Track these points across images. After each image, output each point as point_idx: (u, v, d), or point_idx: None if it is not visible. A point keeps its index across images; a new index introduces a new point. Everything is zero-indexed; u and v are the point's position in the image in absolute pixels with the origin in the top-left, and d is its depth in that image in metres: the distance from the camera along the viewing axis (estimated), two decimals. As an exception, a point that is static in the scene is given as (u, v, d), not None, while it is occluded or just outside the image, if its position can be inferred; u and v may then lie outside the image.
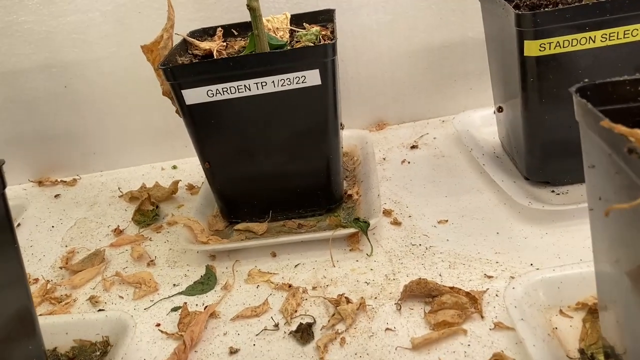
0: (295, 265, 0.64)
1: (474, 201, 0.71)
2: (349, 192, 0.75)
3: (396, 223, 0.69)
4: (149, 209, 0.79)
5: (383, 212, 0.71)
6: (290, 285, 0.61)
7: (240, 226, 0.71)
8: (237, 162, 0.69)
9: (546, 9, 0.61)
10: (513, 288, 0.50)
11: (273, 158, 0.68)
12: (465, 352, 0.49)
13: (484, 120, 0.87)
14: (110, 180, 0.93)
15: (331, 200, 0.72)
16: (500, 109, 0.76)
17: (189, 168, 0.93)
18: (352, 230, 0.65)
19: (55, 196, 0.90)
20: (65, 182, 0.95)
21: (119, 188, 0.89)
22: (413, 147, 0.87)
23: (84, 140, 0.96)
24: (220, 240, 0.68)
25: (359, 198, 0.73)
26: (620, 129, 0.30)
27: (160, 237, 0.74)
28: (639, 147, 0.29)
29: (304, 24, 0.76)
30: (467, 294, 0.54)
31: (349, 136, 0.89)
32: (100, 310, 0.61)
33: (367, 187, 0.74)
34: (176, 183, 0.84)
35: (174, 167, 0.94)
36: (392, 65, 0.93)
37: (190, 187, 0.85)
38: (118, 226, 0.78)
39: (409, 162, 0.83)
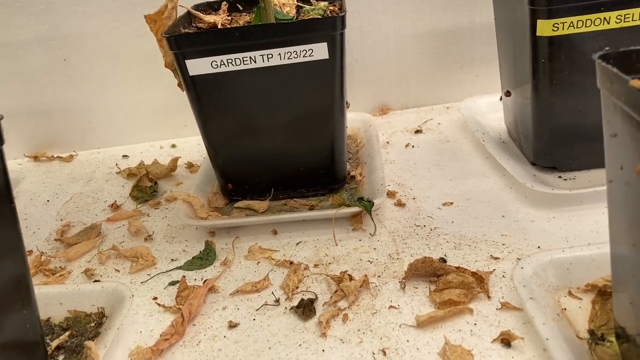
0: (297, 243, 0.63)
1: (479, 185, 0.70)
2: (352, 173, 0.73)
3: (400, 204, 0.67)
4: (147, 185, 0.78)
5: (387, 194, 0.69)
6: (291, 262, 0.59)
7: (240, 204, 0.70)
8: (240, 138, 0.67)
9: (561, -12, 0.60)
10: (522, 268, 0.49)
11: (277, 135, 0.67)
12: (471, 330, 0.47)
13: (489, 107, 0.85)
14: (107, 157, 0.92)
15: (334, 181, 0.70)
16: (508, 94, 0.74)
17: (189, 147, 0.91)
18: (355, 209, 0.63)
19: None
20: (61, 158, 0.93)
21: (116, 164, 0.87)
22: (417, 131, 0.86)
23: (82, 116, 0.94)
24: (220, 217, 0.67)
25: (362, 179, 0.72)
26: (651, 88, 0.29)
27: (158, 213, 0.73)
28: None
29: (311, 0, 0.75)
30: (474, 274, 0.52)
31: (352, 119, 0.88)
32: (96, 281, 0.59)
33: (371, 168, 0.72)
34: (175, 160, 0.82)
35: (173, 146, 0.93)
36: (397, 49, 0.91)
37: (190, 166, 0.84)
38: (115, 201, 0.76)
39: (413, 146, 0.82)
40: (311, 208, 0.68)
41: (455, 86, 0.94)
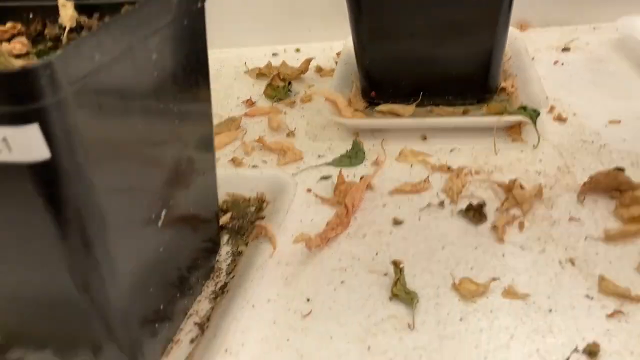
0: (451, 150, 0.60)
1: (647, 105, 0.64)
2: (502, 84, 0.69)
3: (561, 119, 0.63)
4: (279, 84, 0.76)
5: (545, 107, 0.65)
6: (449, 168, 0.56)
7: (383, 107, 0.66)
8: (393, 38, 0.63)
9: None
10: None
11: (433, 38, 0.62)
12: (669, 249, 0.44)
13: (647, 28, 0.78)
14: (231, 57, 0.89)
15: (485, 90, 0.66)
16: (686, 9, 0.67)
17: (313, 52, 0.87)
18: (519, 117, 0.59)
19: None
20: (183, 55, 0.92)
21: (245, 63, 0.85)
22: (565, 49, 0.80)
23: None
24: (367, 117, 0.64)
25: (515, 91, 0.67)
26: None
27: (295, 111, 0.71)
28: None
29: None
30: (663, 192, 0.48)
31: (493, 32, 0.82)
32: (254, 166, 0.58)
33: (525, 79, 0.67)
34: (308, 62, 0.79)
35: (297, 50, 0.89)
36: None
37: (319, 70, 0.81)
38: (250, 97, 0.74)
39: (562, 64, 0.76)
40: (464, 113, 0.64)
41: (600, 5, 0.86)
